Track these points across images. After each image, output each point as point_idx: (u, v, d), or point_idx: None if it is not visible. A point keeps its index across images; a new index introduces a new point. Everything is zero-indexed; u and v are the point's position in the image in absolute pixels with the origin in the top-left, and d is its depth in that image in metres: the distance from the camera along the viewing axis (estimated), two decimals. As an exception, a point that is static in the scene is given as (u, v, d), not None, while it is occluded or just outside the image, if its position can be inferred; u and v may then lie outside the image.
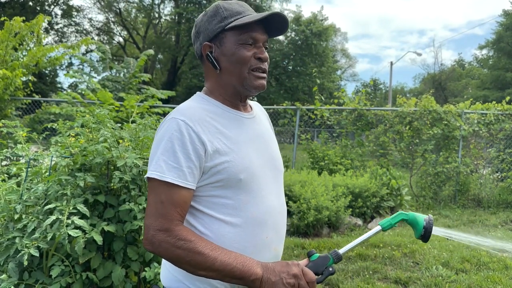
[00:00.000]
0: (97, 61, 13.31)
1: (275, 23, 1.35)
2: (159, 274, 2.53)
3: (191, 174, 1.22)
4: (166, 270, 1.34)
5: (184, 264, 1.19)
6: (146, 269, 2.57)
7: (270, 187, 1.37)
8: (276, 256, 1.37)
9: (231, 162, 1.26)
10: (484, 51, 37.01)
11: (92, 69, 13.21)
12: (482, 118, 8.43)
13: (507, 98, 8.70)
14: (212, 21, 1.33)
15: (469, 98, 9.25)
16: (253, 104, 1.54)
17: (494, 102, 8.74)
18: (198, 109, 1.31)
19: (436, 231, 1.42)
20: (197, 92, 1.43)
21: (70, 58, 22.10)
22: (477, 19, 79.46)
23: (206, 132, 1.25)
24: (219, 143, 1.26)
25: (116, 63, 13.58)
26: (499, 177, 8.65)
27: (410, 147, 8.51)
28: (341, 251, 1.37)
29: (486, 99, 13.33)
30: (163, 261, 1.36)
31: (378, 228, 1.39)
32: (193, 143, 1.22)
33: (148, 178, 1.23)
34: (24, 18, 8.51)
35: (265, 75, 1.35)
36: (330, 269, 1.31)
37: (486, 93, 29.30)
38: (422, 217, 1.39)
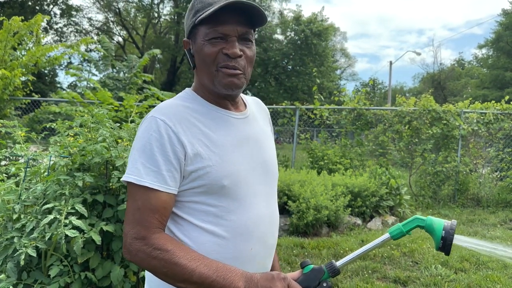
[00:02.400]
0: (97, 60, 13.29)
1: (255, 13, 1.18)
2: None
3: (172, 178, 1.13)
4: (150, 276, 1.23)
5: (161, 275, 1.10)
6: (145, 268, 2.57)
7: (259, 194, 1.26)
8: (263, 270, 1.25)
9: (214, 166, 1.15)
10: (484, 51, 37.05)
11: (93, 66, 13.19)
12: (481, 117, 8.43)
13: (506, 98, 8.71)
14: (189, 16, 1.24)
15: (468, 98, 9.26)
16: (251, 100, 1.44)
17: (493, 101, 8.75)
18: (181, 108, 1.20)
19: (459, 240, 1.16)
20: (186, 89, 1.32)
21: (70, 58, 22.08)
22: (476, 19, 79.56)
23: (187, 133, 1.15)
24: (201, 146, 1.16)
25: (117, 62, 13.57)
26: (498, 176, 8.66)
27: (409, 147, 8.52)
28: (339, 263, 1.18)
29: (485, 99, 13.34)
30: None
31: (387, 236, 1.16)
32: (173, 145, 1.13)
33: (125, 181, 1.14)
34: (23, 17, 8.50)
35: (236, 71, 1.18)
36: (324, 284, 1.14)
37: (486, 92, 29.32)
38: (441, 224, 1.13)
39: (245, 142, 1.26)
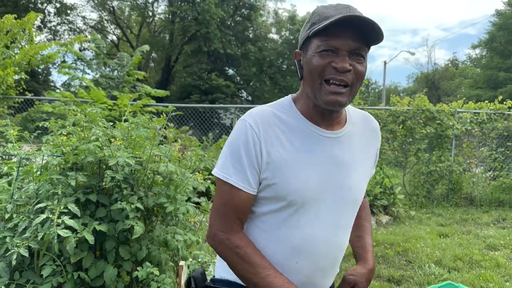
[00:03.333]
0: (90, 59, 13.21)
1: (371, 29, 1.15)
2: (151, 273, 2.52)
3: (254, 180, 1.22)
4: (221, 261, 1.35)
5: (234, 269, 1.24)
6: (138, 268, 2.55)
7: (324, 217, 1.26)
8: (309, 284, 1.31)
9: (284, 180, 1.20)
10: (477, 51, 37.24)
11: (86, 64, 13.13)
12: (475, 117, 8.48)
13: (500, 98, 8.76)
14: (304, 28, 1.24)
15: (462, 97, 9.31)
16: (358, 117, 1.39)
17: (486, 101, 8.81)
18: (270, 116, 1.24)
19: None
20: (288, 95, 1.34)
21: (64, 56, 21.94)
22: (470, 19, 79.90)
23: (268, 142, 1.21)
24: (278, 156, 1.21)
25: (110, 60, 13.49)
26: (492, 175, 8.71)
27: (404, 146, 8.55)
28: None
29: (479, 99, 13.41)
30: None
31: None
32: (256, 150, 1.20)
33: (216, 176, 1.25)
34: (16, 15, 8.44)
35: (340, 89, 1.16)
36: None
37: (479, 92, 29.46)
38: None
39: (327, 162, 1.25)
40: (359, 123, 1.37)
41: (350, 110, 1.38)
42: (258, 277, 1.18)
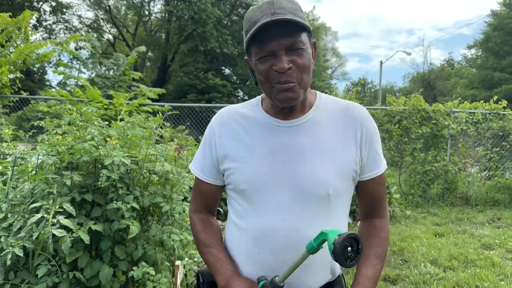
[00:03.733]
0: (86, 58, 13.16)
1: (293, 24, 1.14)
2: (147, 273, 2.51)
3: (210, 171, 1.36)
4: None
5: (195, 242, 1.41)
6: (134, 268, 2.55)
7: (282, 207, 1.23)
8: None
9: (237, 169, 1.27)
10: (473, 51, 37.39)
11: (82, 64, 13.08)
12: (470, 117, 8.51)
13: (495, 98, 8.80)
14: (244, 35, 1.23)
15: (458, 97, 9.33)
16: (335, 106, 1.31)
17: (482, 101, 8.84)
18: (233, 113, 1.35)
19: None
20: (261, 94, 1.38)
21: (59, 55, 21.84)
22: (465, 19, 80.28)
23: (223, 136, 1.32)
24: (232, 149, 1.29)
25: (106, 60, 13.43)
26: (487, 175, 8.75)
27: (399, 146, 8.56)
28: (279, 278, 1.17)
29: (474, 98, 13.43)
30: None
31: (304, 252, 1.11)
32: (211, 144, 1.34)
33: None
34: (11, 14, 8.39)
35: (288, 85, 1.16)
36: None
37: (475, 92, 29.56)
38: (333, 236, 1.03)
39: (280, 151, 1.25)
40: (333, 109, 1.30)
41: (324, 99, 1.34)
42: (202, 254, 1.36)
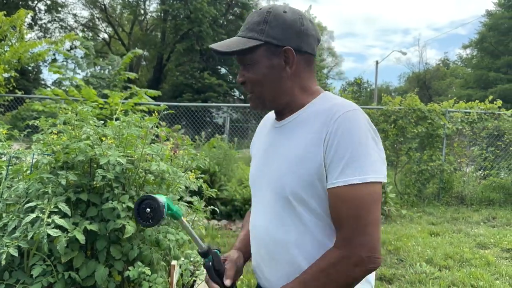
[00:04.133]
0: (81, 57, 13.10)
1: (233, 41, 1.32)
2: (143, 273, 2.50)
3: None
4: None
5: None
6: (129, 268, 2.54)
7: (261, 205, 1.30)
8: (258, 270, 1.34)
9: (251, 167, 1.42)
10: (468, 51, 37.56)
11: (76, 64, 13.03)
12: (466, 116, 8.56)
13: (490, 97, 8.85)
14: None
15: (453, 97, 9.38)
16: (321, 108, 1.20)
17: (477, 101, 8.89)
18: (266, 117, 1.49)
19: None
20: None
21: (54, 54, 21.75)
22: (460, 19, 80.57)
23: (255, 136, 1.49)
24: (252, 149, 1.48)
25: (101, 59, 13.40)
26: (482, 175, 8.80)
27: (395, 145, 8.59)
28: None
29: (469, 98, 13.51)
30: None
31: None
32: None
33: None
34: (5, 12, 8.34)
35: (249, 95, 1.29)
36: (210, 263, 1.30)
37: (470, 92, 29.70)
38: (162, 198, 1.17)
39: (268, 150, 1.32)
40: (318, 111, 1.20)
41: (321, 99, 1.25)
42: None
